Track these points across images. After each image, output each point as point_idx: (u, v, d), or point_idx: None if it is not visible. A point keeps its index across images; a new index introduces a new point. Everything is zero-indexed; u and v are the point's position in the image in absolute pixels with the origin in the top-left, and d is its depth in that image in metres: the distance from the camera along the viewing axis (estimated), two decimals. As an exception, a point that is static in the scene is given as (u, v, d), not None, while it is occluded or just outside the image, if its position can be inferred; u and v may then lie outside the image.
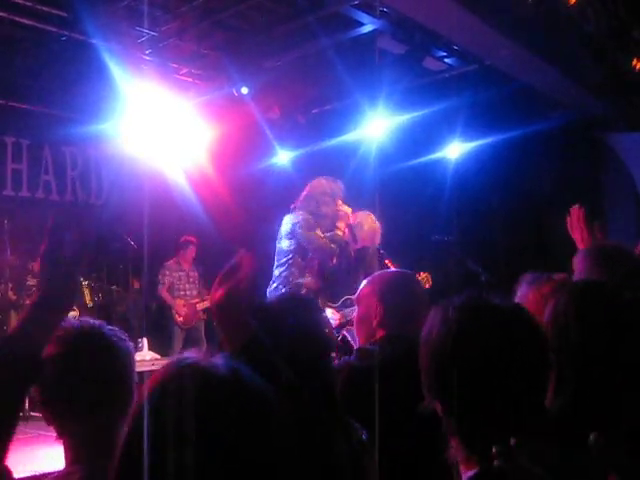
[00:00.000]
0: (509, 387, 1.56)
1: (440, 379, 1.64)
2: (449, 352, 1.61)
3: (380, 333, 2.90)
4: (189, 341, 9.67)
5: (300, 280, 6.19)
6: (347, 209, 6.32)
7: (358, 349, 2.90)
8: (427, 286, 6.41)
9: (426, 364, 1.69)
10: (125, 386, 2.02)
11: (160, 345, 9.72)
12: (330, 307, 6.15)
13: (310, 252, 6.21)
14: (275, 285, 6.26)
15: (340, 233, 6.24)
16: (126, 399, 2.01)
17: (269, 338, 1.94)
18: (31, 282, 8.55)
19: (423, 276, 6.44)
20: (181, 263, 9.84)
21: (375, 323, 2.92)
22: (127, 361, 2.05)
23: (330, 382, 2.08)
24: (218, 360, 1.17)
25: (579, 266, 2.86)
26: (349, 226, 6.33)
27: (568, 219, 3.32)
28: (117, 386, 2.00)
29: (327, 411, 1.99)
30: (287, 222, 6.28)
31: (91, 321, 2.14)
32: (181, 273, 9.79)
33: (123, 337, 2.10)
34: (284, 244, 6.27)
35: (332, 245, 6.15)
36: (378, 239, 6.54)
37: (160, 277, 9.68)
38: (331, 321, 5.92)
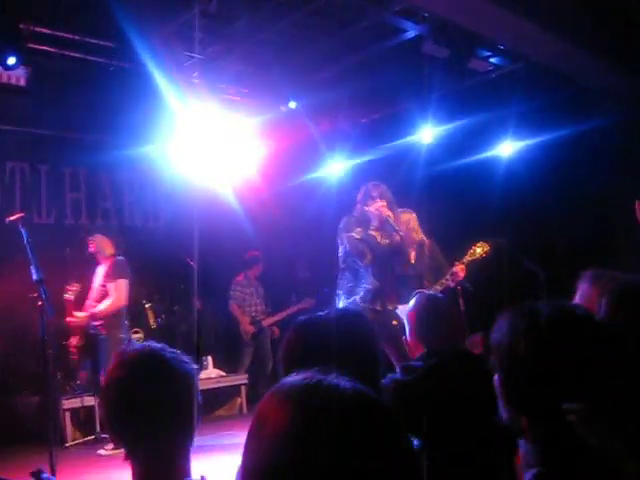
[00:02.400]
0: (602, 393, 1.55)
1: (529, 392, 1.62)
2: (543, 364, 1.59)
3: (421, 348, 2.99)
4: (257, 357, 9.78)
5: (351, 284, 6.28)
6: (376, 206, 6.33)
7: (402, 366, 2.94)
8: (484, 253, 6.39)
9: (510, 377, 1.66)
10: (185, 410, 2.04)
11: (229, 362, 9.85)
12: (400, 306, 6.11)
13: (348, 253, 6.31)
14: (340, 293, 6.37)
15: (372, 233, 6.31)
16: (187, 422, 2.03)
17: (316, 353, 1.95)
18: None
19: (483, 244, 6.43)
20: (250, 278, 9.98)
21: (415, 339, 3.03)
22: (188, 385, 2.06)
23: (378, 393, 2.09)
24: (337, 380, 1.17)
25: None
26: (382, 222, 6.33)
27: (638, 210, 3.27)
28: (177, 410, 2.01)
29: None
30: (339, 231, 6.45)
31: (153, 345, 2.16)
32: (251, 289, 9.95)
33: (185, 360, 2.11)
34: (339, 251, 6.42)
35: (359, 245, 6.21)
36: (417, 231, 6.57)
37: (231, 292, 9.85)
38: None
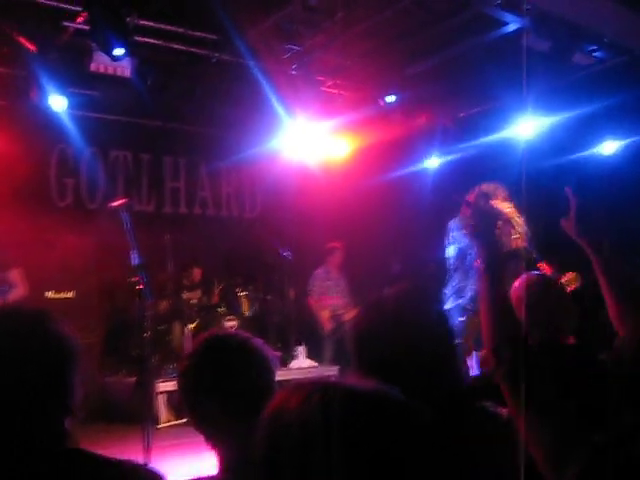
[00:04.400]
0: None
1: None
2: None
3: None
4: (340, 352, 9.71)
5: (462, 283, 6.19)
6: (503, 206, 6.18)
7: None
8: (575, 286, 6.18)
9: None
10: (267, 395, 1.96)
11: (316, 353, 9.86)
12: None
13: (463, 251, 6.20)
14: (447, 293, 6.30)
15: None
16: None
17: (388, 332, 1.94)
18: (186, 295, 8.92)
19: (570, 276, 6.21)
20: (330, 270, 9.86)
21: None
22: (266, 373, 2.06)
23: (456, 371, 2.04)
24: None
25: None
26: (505, 221, 6.18)
27: None
28: (258, 396, 1.95)
29: (456, 400, 1.96)
30: (449, 230, 6.34)
31: (233, 332, 2.16)
32: (329, 282, 9.82)
33: (266, 350, 2.10)
34: (449, 252, 6.32)
35: None
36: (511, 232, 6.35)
37: (310, 286, 9.78)
38: None
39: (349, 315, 9.62)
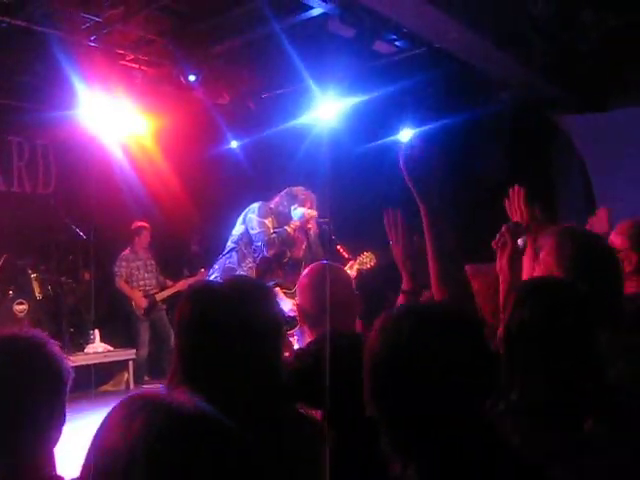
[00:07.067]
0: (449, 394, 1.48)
1: (375, 389, 1.54)
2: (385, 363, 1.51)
3: (318, 330, 2.80)
4: (155, 332, 9.58)
5: (235, 266, 6.08)
6: (309, 212, 6.21)
7: (296, 353, 2.77)
8: (371, 265, 6.35)
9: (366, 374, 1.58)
10: (36, 404, 1.83)
11: (123, 337, 9.61)
12: (289, 297, 6.09)
13: (252, 237, 6.11)
14: (214, 275, 6.16)
15: (289, 230, 6.10)
16: (42, 417, 1.83)
17: (215, 323, 1.88)
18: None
19: (367, 255, 6.37)
20: (137, 251, 9.66)
21: (312, 319, 2.84)
22: (37, 373, 1.84)
23: (276, 370, 1.99)
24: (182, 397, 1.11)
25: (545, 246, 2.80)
26: (303, 229, 6.21)
27: (507, 201, 3.19)
28: (22, 404, 1.81)
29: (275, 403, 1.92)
30: (247, 209, 6.21)
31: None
32: (138, 262, 9.62)
33: (41, 343, 1.87)
34: (235, 230, 6.21)
35: (272, 235, 6.04)
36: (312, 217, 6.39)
37: (117, 269, 9.49)
38: (291, 313, 5.93)
39: (161, 295, 9.53)
